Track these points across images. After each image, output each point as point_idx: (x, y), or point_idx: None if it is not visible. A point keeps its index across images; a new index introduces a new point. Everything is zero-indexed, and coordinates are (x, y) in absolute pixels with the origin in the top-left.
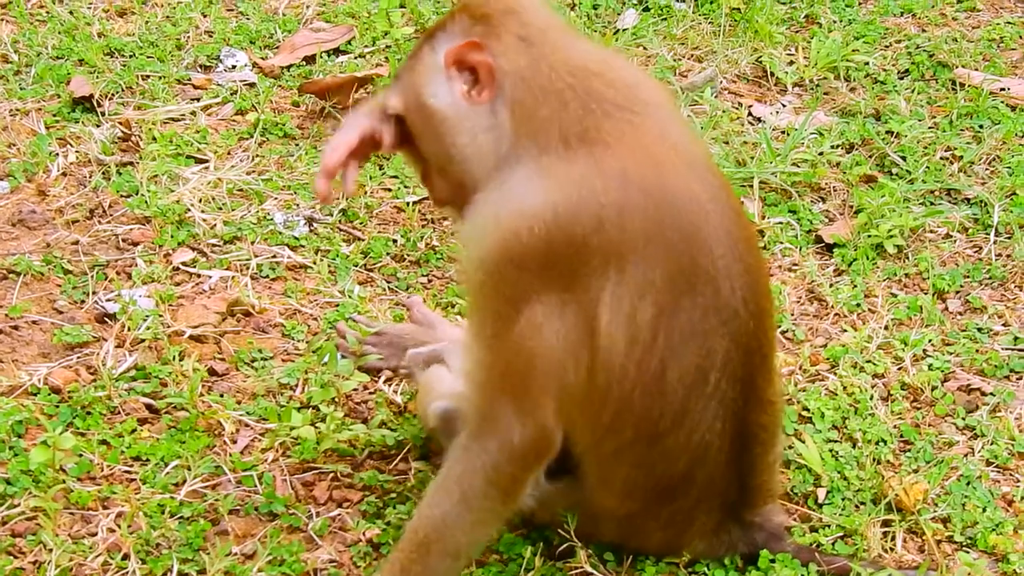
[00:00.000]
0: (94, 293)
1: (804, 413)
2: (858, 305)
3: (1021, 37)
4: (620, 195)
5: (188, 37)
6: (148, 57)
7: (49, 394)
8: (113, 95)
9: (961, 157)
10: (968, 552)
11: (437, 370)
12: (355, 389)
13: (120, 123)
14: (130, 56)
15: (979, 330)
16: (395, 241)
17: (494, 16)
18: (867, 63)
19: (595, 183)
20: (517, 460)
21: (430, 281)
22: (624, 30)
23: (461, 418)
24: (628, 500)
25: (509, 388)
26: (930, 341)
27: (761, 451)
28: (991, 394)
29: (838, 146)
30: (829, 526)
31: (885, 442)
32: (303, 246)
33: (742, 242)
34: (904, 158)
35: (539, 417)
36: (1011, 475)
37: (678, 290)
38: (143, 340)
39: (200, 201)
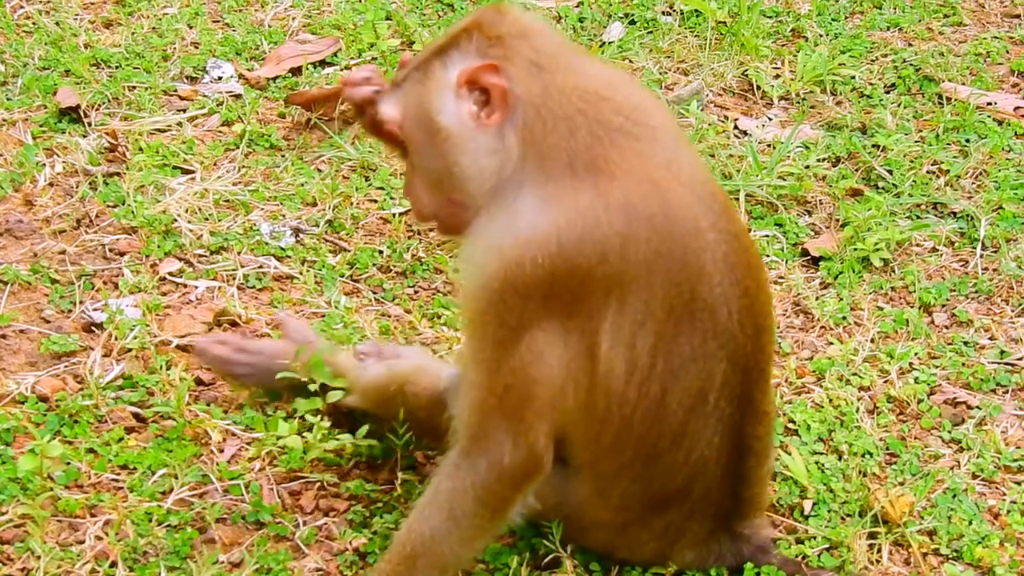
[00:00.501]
0: (81, 303)
1: (790, 425)
2: (844, 318)
3: (1007, 52)
4: (624, 226)
5: (174, 48)
6: (134, 68)
7: (37, 402)
8: (99, 106)
9: (947, 171)
10: (954, 565)
11: (408, 351)
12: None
13: (106, 134)
14: (116, 67)
15: (965, 344)
16: (381, 252)
17: (507, 39)
18: (853, 77)
19: (600, 214)
20: (506, 480)
21: (416, 292)
22: (610, 43)
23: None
24: (623, 512)
25: (504, 411)
26: (916, 354)
27: (755, 463)
28: (977, 407)
29: (824, 159)
30: (815, 538)
31: (871, 454)
32: (289, 257)
33: (741, 267)
34: (890, 172)
35: (531, 440)
36: (997, 488)
37: (677, 318)
38: (130, 349)
39: (186, 211)
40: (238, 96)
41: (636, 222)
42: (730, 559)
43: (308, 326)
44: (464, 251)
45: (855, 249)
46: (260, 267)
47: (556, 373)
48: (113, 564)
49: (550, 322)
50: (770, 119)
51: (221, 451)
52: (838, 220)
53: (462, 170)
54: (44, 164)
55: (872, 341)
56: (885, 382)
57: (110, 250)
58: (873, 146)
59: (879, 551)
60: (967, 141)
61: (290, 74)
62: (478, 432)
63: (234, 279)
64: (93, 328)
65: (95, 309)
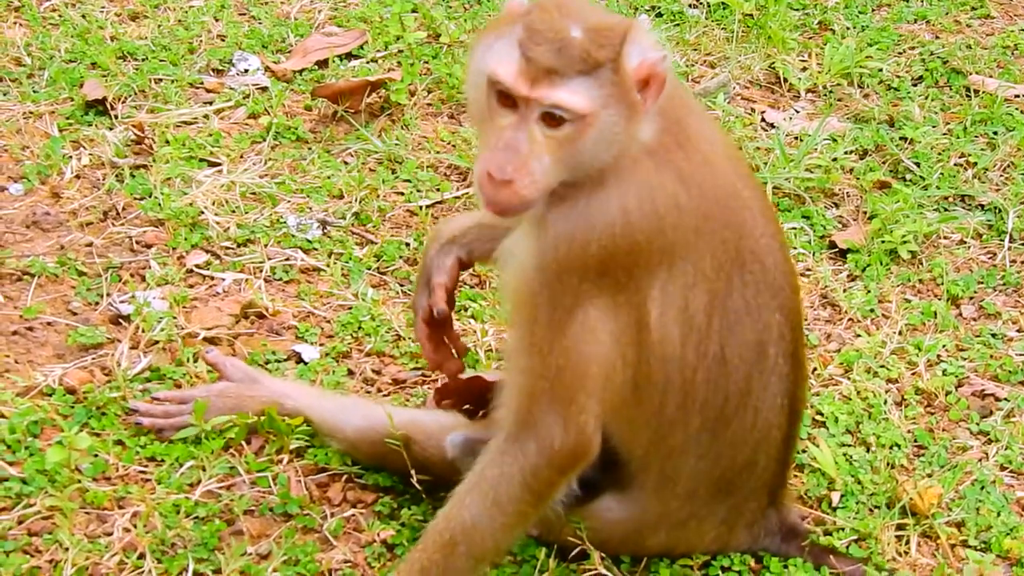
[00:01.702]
0: (108, 295)
1: (818, 417)
2: (872, 310)
3: None
4: (683, 200)
5: (200, 41)
6: (161, 61)
7: (64, 395)
8: (126, 98)
9: (975, 163)
10: (981, 555)
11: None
12: (368, 391)
13: (133, 126)
14: (143, 60)
15: (993, 336)
16: (408, 244)
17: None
18: (881, 69)
19: (668, 191)
20: (556, 465)
21: None
22: None
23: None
24: (690, 500)
25: (556, 394)
26: (944, 346)
27: (799, 428)
28: (1005, 399)
29: (852, 152)
30: (843, 529)
31: (899, 446)
32: (316, 249)
33: (773, 221)
34: (918, 164)
35: (581, 422)
36: None
37: (728, 275)
38: (157, 342)
39: (213, 204)
40: (264, 89)
41: (692, 195)
42: (775, 534)
43: (245, 363)
44: (522, 236)
45: (883, 241)
46: (287, 259)
47: (609, 349)
48: (141, 556)
49: (601, 298)
50: (797, 112)
51: (248, 443)
52: (866, 212)
53: (608, 153)
54: (71, 156)
55: (900, 333)
56: (913, 374)
57: (137, 242)
58: (901, 138)
59: (907, 542)
60: (995, 134)
61: (316, 67)
62: (527, 418)
63: (261, 271)
64: (120, 320)
65: (122, 301)
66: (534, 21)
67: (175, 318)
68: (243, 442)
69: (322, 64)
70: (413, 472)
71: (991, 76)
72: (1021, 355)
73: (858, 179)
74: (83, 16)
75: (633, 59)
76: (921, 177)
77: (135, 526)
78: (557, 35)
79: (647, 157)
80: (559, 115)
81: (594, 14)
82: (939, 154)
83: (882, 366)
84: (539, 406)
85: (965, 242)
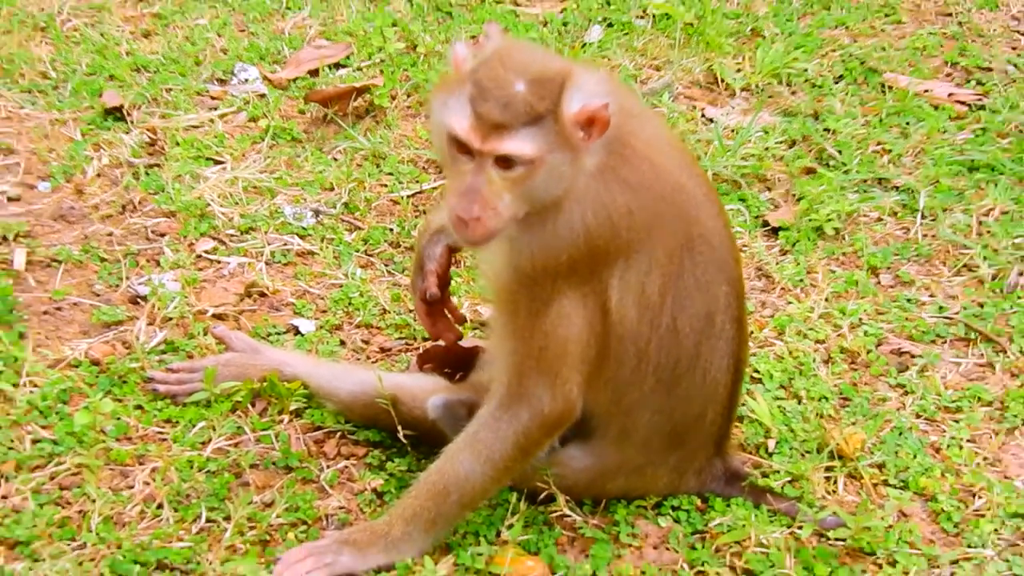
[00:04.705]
0: (127, 278)
1: (755, 375)
2: (801, 280)
3: (941, 45)
4: (635, 204)
5: (205, 54)
6: (170, 72)
7: (90, 366)
8: (140, 106)
9: (890, 150)
10: (900, 492)
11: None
12: (358, 358)
13: (147, 130)
14: (155, 72)
15: (908, 301)
16: (392, 230)
17: (587, 70)
18: (806, 70)
19: (618, 200)
20: (545, 427)
21: None
22: (590, 44)
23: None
24: (645, 449)
25: (542, 369)
26: (865, 311)
27: (741, 386)
28: (919, 356)
29: (782, 142)
30: (779, 472)
31: (827, 399)
32: (311, 235)
33: (716, 203)
34: (840, 152)
35: (566, 390)
36: (938, 426)
37: (679, 259)
38: (171, 318)
39: (219, 197)
40: (263, 95)
41: (640, 197)
42: (719, 478)
43: (248, 336)
44: (501, 245)
45: (810, 220)
46: (285, 244)
47: (581, 330)
48: (160, 506)
49: (571, 291)
50: (733, 108)
51: (253, 406)
52: (795, 195)
53: (559, 187)
54: (92, 158)
55: (826, 300)
56: (838, 335)
57: (152, 232)
58: (824, 130)
59: (835, 483)
60: (907, 124)
61: (308, 75)
62: (518, 390)
63: (262, 255)
64: (138, 300)
65: (140, 283)
66: (482, 79)
67: (186, 297)
68: (248, 405)
69: (313, 73)
70: (400, 428)
71: (903, 74)
72: (933, 317)
73: (787, 166)
74: (101, 34)
75: (574, 104)
76: (843, 163)
77: (154, 480)
78: (502, 91)
79: (598, 177)
80: (511, 160)
81: (536, 63)
82: (858, 143)
83: (811, 329)
84: (529, 379)
85: (882, 219)
